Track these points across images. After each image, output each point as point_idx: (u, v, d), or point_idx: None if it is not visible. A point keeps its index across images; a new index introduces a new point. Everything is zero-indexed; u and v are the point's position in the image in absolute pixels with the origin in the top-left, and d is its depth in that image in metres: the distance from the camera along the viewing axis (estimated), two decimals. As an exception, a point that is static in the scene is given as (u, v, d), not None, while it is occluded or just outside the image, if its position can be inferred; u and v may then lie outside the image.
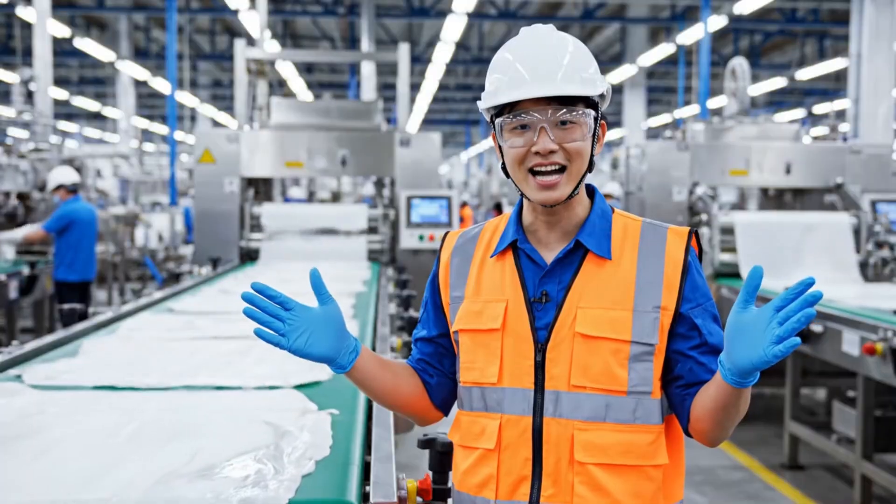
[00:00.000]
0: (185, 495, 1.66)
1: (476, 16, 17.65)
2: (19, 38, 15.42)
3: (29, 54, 11.74)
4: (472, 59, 22.67)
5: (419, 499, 1.79)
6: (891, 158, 7.67)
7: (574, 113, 1.66)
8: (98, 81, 26.49)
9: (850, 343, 4.71)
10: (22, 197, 8.52)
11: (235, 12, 15.51)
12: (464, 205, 17.43)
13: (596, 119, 1.69)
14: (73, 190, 7.86)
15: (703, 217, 7.22)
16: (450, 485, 1.81)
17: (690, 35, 17.79)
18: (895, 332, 4.33)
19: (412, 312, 3.94)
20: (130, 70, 20.62)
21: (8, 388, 2.56)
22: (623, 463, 1.64)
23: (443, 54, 18.76)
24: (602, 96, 1.71)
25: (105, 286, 11.71)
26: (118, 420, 2.19)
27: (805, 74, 19.78)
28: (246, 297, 1.63)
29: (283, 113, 7.83)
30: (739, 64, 8.61)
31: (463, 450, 1.75)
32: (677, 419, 1.72)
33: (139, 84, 22.82)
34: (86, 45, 18.07)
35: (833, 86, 20.55)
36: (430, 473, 1.81)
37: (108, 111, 27.01)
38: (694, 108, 19.23)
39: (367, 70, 17.43)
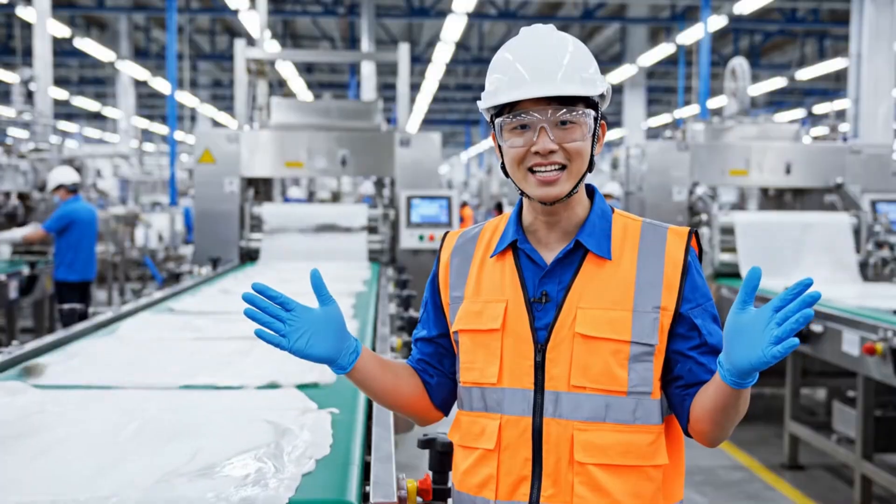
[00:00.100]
0: (186, 494, 1.66)
1: (476, 16, 17.65)
2: (19, 38, 15.42)
3: (29, 54, 11.74)
4: (472, 59, 22.68)
5: (419, 499, 1.80)
6: (891, 158, 7.67)
7: (574, 113, 1.66)
8: (98, 81, 26.50)
9: (850, 343, 4.71)
10: (22, 197, 8.52)
11: (235, 12, 15.51)
12: (464, 205, 17.43)
13: (596, 119, 1.69)
14: (73, 190, 7.86)
15: (703, 217, 7.22)
16: (450, 485, 1.81)
17: (690, 35, 17.80)
18: (895, 332, 4.33)
19: (412, 312, 3.94)
20: (130, 70, 20.63)
21: (8, 388, 2.56)
22: (623, 463, 1.64)
23: (443, 54, 18.76)
24: (602, 96, 1.71)
25: (105, 286, 11.71)
26: (119, 419, 2.19)
27: (805, 74, 19.78)
28: (246, 298, 1.63)
29: (283, 113, 7.83)
30: (739, 64, 8.61)
31: (463, 450, 1.76)
32: (677, 419, 1.72)
33: (139, 84, 22.83)
34: (86, 45, 18.07)
35: (833, 86, 20.55)
36: (430, 473, 1.81)
37: (108, 111, 27.02)
38: (694, 108, 19.23)
39: (367, 70, 17.43)
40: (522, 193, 1.72)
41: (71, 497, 1.64)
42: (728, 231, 6.96)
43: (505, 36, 20.92)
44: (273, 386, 2.63)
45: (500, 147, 1.72)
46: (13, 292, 7.15)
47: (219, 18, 20.84)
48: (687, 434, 1.72)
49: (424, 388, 1.85)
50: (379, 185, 8.29)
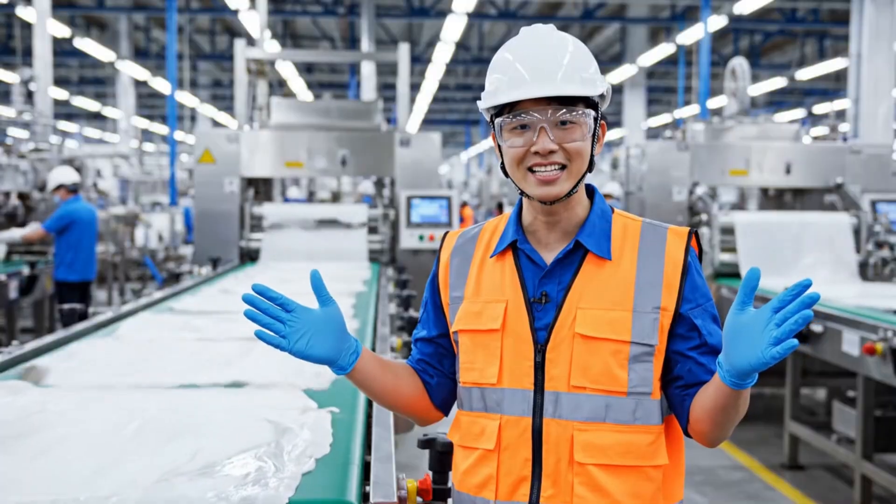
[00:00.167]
0: (186, 493, 1.66)
1: (476, 16, 17.65)
2: (19, 38, 15.42)
3: (29, 54, 11.74)
4: (472, 59, 22.68)
5: (419, 499, 1.80)
6: (891, 158, 7.67)
7: (574, 113, 1.66)
8: (98, 81, 26.50)
9: (850, 343, 4.71)
10: (22, 197, 8.52)
11: (235, 12, 15.51)
12: (464, 205, 17.44)
13: (596, 119, 1.69)
14: (73, 190, 7.86)
15: (703, 217, 7.22)
16: (450, 485, 1.81)
17: (690, 35, 17.80)
18: (895, 332, 4.33)
19: (412, 312, 3.94)
20: (130, 70, 20.63)
21: (9, 388, 2.56)
22: (623, 463, 1.64)
23: (443, 54, 18.76)
24: (602, 96, 1.71)
25: (105, 286, 11.71)
26: (119, 419, 2.19)
27: (805, 74, 19.78)
28: (246, 299, 1.63)
29: (283, 113, 7.83)
30: (739, 64, 8.61)
31: (463, 450, 1.76)
32: (677, 420, 1.72)
33: (139, 84, 22.83)
34: (86, 45, 18.07)
35: (833, 86, 20.55)
36: (430, 473, 1.81)
37: (108, 111, 27.02)
38: (694, 108, 19.23)
39: (367, 70, 17.43)
40: (522, 193, 1.71)
41: (71, 497, 1.64)
42: (728, 231, 6.96)
43: (505, 36, 20.92)
44: (273, 385, 2.63)
45: (499, 147, 1.72)
46: (13, 292, 7.15)
47: (219, 18, 20.84)
48: (687, 434, 1.72)
49: (424, 389, 1.85)
50: (379, 185, 8.29)
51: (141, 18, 20.93)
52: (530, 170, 1.68)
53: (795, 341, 1.40)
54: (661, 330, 1.66)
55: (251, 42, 11.61)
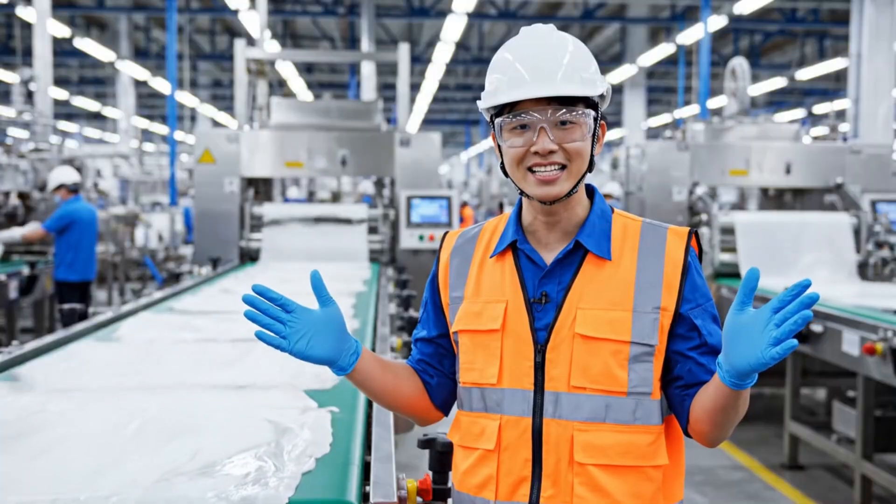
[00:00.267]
0: (187, 493, 1.66)
1: (476, 16, 17.65)
2: (19, 38, 15.41)
3: (29, 54, 11.74)
4: (472, 59, 22.68)
5: (419, 499, 1.80)
6: (891, 158, 7.67)
7: (574, 113, 1.65)
8: (98, 81, 26.50)
9: (850, 343, 4.71)
10: (22, 196, 8.52)
11: (235, 12, 15.51)
12: (464, 205, 17.44)
13: (596, 119, 1.69)
14: (73, 190, 7.86)
15: (703, 217, 7.22)
16: (450, 485, 1.81)
17: (690, 35, 17.80)
18: (895, 332, 4.33)
19: (412, 312, 3.94)
20: (130, 70, 20.63)
21: (9, 388, 2.57)
22: (623, 464, 1.64)
23: (443, 54, 18.76)
24: (602, 96, 1.71)
25: (105, 286, 11.71)
26: (119, 419, 2.19)
27: (805, 74, 19.78)
28: (247, 300, 1.63)
29: (283, 113, 7.83)
30: (739, 64, 8.61)
31: (463, 450, 1.76)
32: (677, 420, 1.72)
33: (139, 84, 22.83)
34: (86, 45, 18.07)
35: (833, 86, 20.55)
36: (430, 473, 1.81)
37: (108, 111, 27.02)
38: (694, 108, 19.23)
39: (367, 70, 17.43)
40: (522, 193, 1.71)
41: (71, 496, 1.64)
42: (728, 231, 6.96)
43: (505, 36, 20.92)
44: (273, 385, 2.63)
45: (499, 147, 1.72)
46: (13, 292, 7.15)
47: (219, 18, 20.84)
48: (687, 434, 1.72)
49: (424, 389, 1.85)
50: (379, 185, 8.29)
51: (141, 18, 20.93)
52: (530, 170, 1.68)
53: (795, 341, 1.40)
54: (661, 330, 1.66)
55: (251, 42, 11.61)
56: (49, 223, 7.72)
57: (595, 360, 1.65)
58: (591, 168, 1.71)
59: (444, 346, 1.84)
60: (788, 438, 5.91)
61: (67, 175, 7.87)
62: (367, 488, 1.76)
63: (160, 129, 29.51)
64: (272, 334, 1.63)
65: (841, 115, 16.26)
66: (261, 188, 8.17)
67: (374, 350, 3.25)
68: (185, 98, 22.28)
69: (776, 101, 27.67)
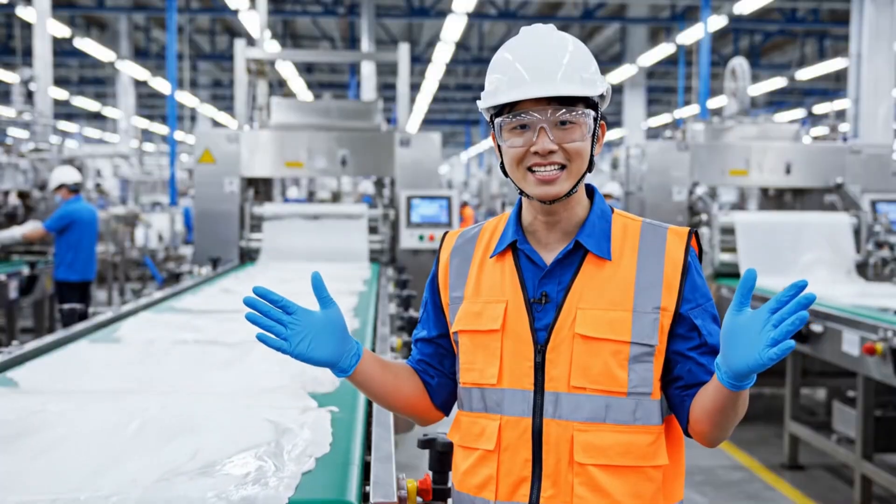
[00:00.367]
0: (187, 493, 1.66)
1: (476, 16, 17.65)
2: (19, 38, 15.41)
3: (29, 54, 11.74)
4: (472, 59, 22.67)
5: (419, 499, 1.80)
6: (891, 158, 7.67)
7: (574, 113, 1.65)
8: (98, 81, 26.50)
9: (850, 343, 4.71)
10: (22, 196, 8.52)
11: (235, 12, 15.51)
12: (464, 205, 17.44)
13: (596, 119, 1.69)
14: (74, 189, 7.86)
15: (703, 217, 7.22)
16: (450, 485, 1.81)
17: (690, 35, 17.80)
18: (895, 332, 4.33)
19: (412, 312, 3.94)
20: (130, 70, 20.63)
21: (9, 388, 2.57)
22: (623, 464, 1.64)
23: (443, 54, 18.76)
24: (602, 96, 1.70)
25: (105, 286, 11.71)
26: (119, 419, 2.19)
27: (805, 74, 19.78)
28: (248, 302, 1.63)
29: (283, 113, 7.83)
30: (739, 64, 8.61)
31: (463, 450, 1.75)
32: (677, 420, 1.72)
33: (139, 84, 22.82)
34: (86, 45, 18.07)
35: (833, 86, 20.55)
36: (430, 473, 1.81)
37: (108, 111, 27.01)
38: (694, 108, 19.23)
39: (367, 70, 17.43)
40: (522, 193, 1.71)
41: (71, 496, 1.64)
42: (728, 231, 6.96)
43: (505, 36, 20.91)
44: (273, 385, 2.63)
45: (499, 147, 1.72)
46: (13, 292, 7.15)
47: (219, 18, 20.84)
48: (687, 434, 1.72)
49: (425, 389, 1.85)
50: (379, 185, 8.29)
51: (141, 18, 20.93)
52: (530, 170, 1.67)
53: (792, 342, 1.40)
54: (661, 330, 1.66)
55: (251, 42, 11.60)
56: (49, 223, 7.72)
57: (595, 360, 1.65)
58: (590, 168, 1.70)
59: (445, 347, 1.84)
60: (788, 438, 5.91)
61: (68, 175, 7.87)
62: (367, 488, 1.76)
63: (160, 129, 29.50)
64: (273, 336, 1.63)
65: (841, 115, 16.26)
66: (261, 188, 8.17)
67: (374, 350, 3.25)
68: (185, 98, 22.28)
69: (776, 101, 27.66)
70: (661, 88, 27.51)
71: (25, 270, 7.56)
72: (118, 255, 11.85)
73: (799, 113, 25.07)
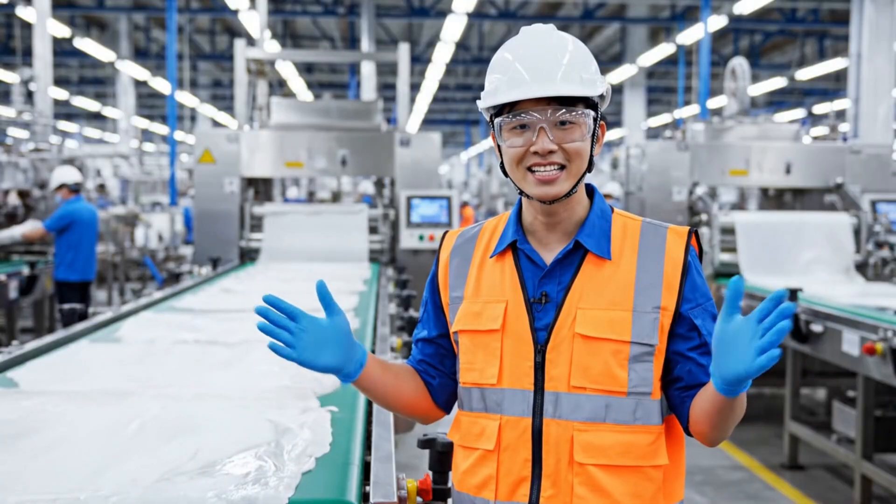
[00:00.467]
0: (187, 493, 1.66)
1: (476, 16, 17.65)
2: (19, 38, 15.42)
3: (29, 54, 11.73)
4: (472, 59, 22.67)
5: (419, 499, 1.80)
6: (891, 158, 7.67)
7: (573, 113, 1.65)
8: (98, 81, 26.49)
9: (850, 343, 4.71)
10: (22, 195, 8.52)
11: (235, 12, 15.51)
12: (464, 205, 17.44)
13: (595, 119, 1.69)
14: (75, 189, 7.86)
15: (703, 217, 7.22)
16: (450, 485, 1.81)
17: (690, 35, 17.80)
18: (895, 332, 4.33)
19: (412, 312, 3.94)
20: (130, 70, 20.63)
21: (9, 388, 2.57)
22: (623, 464, 1.64)
23: (443, 54, 18.76)
24: (602, 97, 1.70)
25: (105, 286, 11.71)
26: (119, 418, 2.19)
27: (805, 74, 19.78)
28: (259, 311, 1.64)
29: (283, 113, 7.83)
30: (739, 64, 8.61)
31: (463, 450, 1.76)
32: (678, 420, 1.72)
33: (139, 84, 22.83)
34: (86, 45, 18.07)
35: (833, 86, 20.55)
36: (430, 473, 1.81)
37: (108, 111, 27.01)
38: (694, 108, 19.23)
39: (367, 70, 17.43)
40: (521, 193, 1.71)
41: (72, 496, 1.64)
42: (728, 231, 6.96)
43: (505, 36, 20.91)
44: (273, 385, 2.63)
45: (499, 147, 1.72)
46: (13, 292, 7.15)
47: (219, 18, 20.84)
48: (688, 433, 1.72)
49: (426, 390, 1.85)
50: (379, 185, 8.29)
51: (141, 18, 20.93)
52: (529, 170, 1.68)
53: (779, 351, 1.41)
54: (661, 330, 1.66)
55: (251, 42, 11.60)
56: (49, 223, 7.72)
57: (595, 359, 1.65)
58: (590, 168, 1.70)
59: (445, 347, 1.84)
60: (788, 438, 5.91)
61: (69, 175, 7.87)
62: (367, 488, 1.76)
63: (160, 129, 29.50)
64: (281, 344, 1.64)
65: (841, 115, 16.25)
66: (261, 188, 8.17)
67: (374, 350, 3.25)
68: (185, 98, 22.28)
69: (776, 101, 27.66)
70: (661, 88, 27.51)
71: (25, 270, 7.56)
72: (118, 255, 11.85)
73: (799, 113, 25.06)
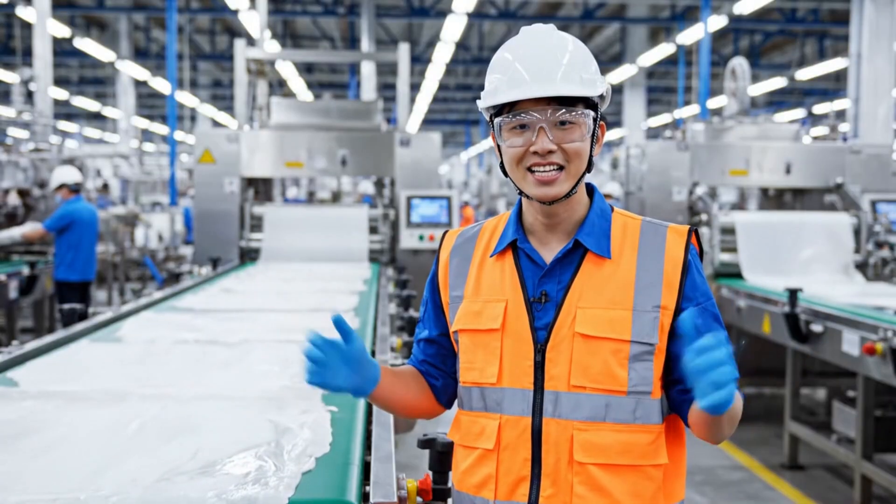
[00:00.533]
0: (187, 492, 1.66)
1: (476, 16, 17.65)
2: (19, 38, 15.42)
3: (29, 54, 11.73)
4: (472, 59, 22.67)
5: (419, 499, 1.80)
6: (891, 158, 7.67)
7: (573, 113, 1.65)
8: (98, 81, 26.49)
9: (850, 343, 4.71)
10: (22, 194, 8.52)
11: (235, 12, 15.51)
12: (464, 205, 17.44)
13: (595, 119, 1.69)
14: (75, 189, 7.86)
15: (703, 217, 7.22)
16: (450, 485, 1.81)
17: (690, 35, 17.80)
18: (895, 332, 4.33)
19: (412, 312, 3.94)
20: (130, 70, 20.63)
21: (9, 388, 2.57)
22: (623, 463, 1.64)
23: (443, 54, 18.76)
24: (602, 97, 1.70)
25: (105, 286, 11.71)
26: (119, 418, 2.20)
27: (805, 74, 19.78)
28: (310, 339, 1.64)
29: (283, 113, 7.83)
30: (739, 64, 8.61)
31: (462, 449, 1.76)
32: (680, 419, 1.72)
33: (139, 84, 22.82)
34: (86, 45, 18.07)
35: (833, 86, 20.55)
36: (430, 473, 1.81)
37: (108, 111, 27.01)
38: (694, 108, 19.23)
39: (367, 70, 17.43)
40: (521, 193, 1.71)
41: (71, 496, 1.64)
42: (728, 231, 6.96)
43: (505, 36, 20.91)
44: (273, 385, 2.63)
45: (499, 147, 1.72)
46: (13, 292, 7.15)
47: (219, 18, 20.84)
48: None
49: (430, 391, 1.86)
50: (379, 185, 8.29)
51: (141, 18, 20.93)
52: (529, 170, 1.68)
53: (733, 387, 1.42)
54: (661, 329, 1.66)
55: (251, 42, 11.60)
56: (49, 223, 7.72)
57: (595, 359, 1.65)
58: (589, 168, 1.70)
59: (446, 346, 1.84)
60: (788, 438, 5.91)
61: (69, 175, 7.86)
62: (367, 488, 1.76)
63: (160, 129, 29.50)
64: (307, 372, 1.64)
65: (841, 115, 16.25)
66: (261, 188, 8.17)
67: (373, 350, 3.25)
68: (185, 98, 22.28)
69: (776, 101, 27.66)
70: (661, 88, 27.52)
71: (25, 270, 7.55)
72: (118, 255, 11.85)
73: (799, 113, 25.06)
